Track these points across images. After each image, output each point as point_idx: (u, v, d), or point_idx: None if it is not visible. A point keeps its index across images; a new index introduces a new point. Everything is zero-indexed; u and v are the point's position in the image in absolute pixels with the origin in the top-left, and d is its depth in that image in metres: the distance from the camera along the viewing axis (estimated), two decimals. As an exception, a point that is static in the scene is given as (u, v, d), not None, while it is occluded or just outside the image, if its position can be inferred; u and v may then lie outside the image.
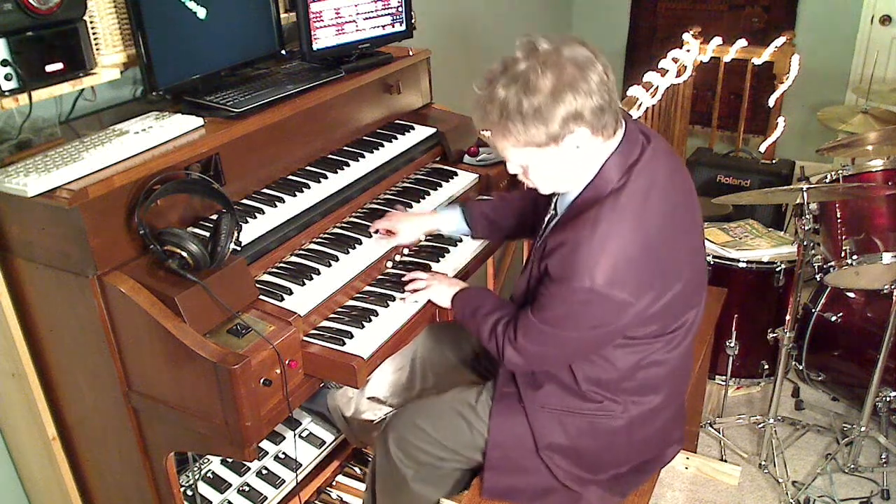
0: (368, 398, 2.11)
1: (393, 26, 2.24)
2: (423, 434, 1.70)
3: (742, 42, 3.75)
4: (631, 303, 1.41)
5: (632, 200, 1.41)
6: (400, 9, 2.23)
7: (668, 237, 1.46)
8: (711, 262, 2.71)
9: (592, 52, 1.37)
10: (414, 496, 1.73)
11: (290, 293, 1.65)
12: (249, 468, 2.12)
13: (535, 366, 1.59)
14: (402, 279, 1.81)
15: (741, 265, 2.71)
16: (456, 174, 2.24)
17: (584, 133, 1.37)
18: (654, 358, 1.55)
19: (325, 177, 1.93)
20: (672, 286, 1.47)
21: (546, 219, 1.61)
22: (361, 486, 2.30)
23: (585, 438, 1.61)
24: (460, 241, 2.01)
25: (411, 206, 2.06)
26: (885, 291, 2.50)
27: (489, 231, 1.93)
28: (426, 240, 2.01)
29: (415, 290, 1.76)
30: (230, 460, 2.11)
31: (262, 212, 1.76)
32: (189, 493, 1.94)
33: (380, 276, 1.87)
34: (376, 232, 1.89)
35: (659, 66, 3.32)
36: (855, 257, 2.32)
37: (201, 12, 1.76)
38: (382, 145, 2.13)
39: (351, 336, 1.62)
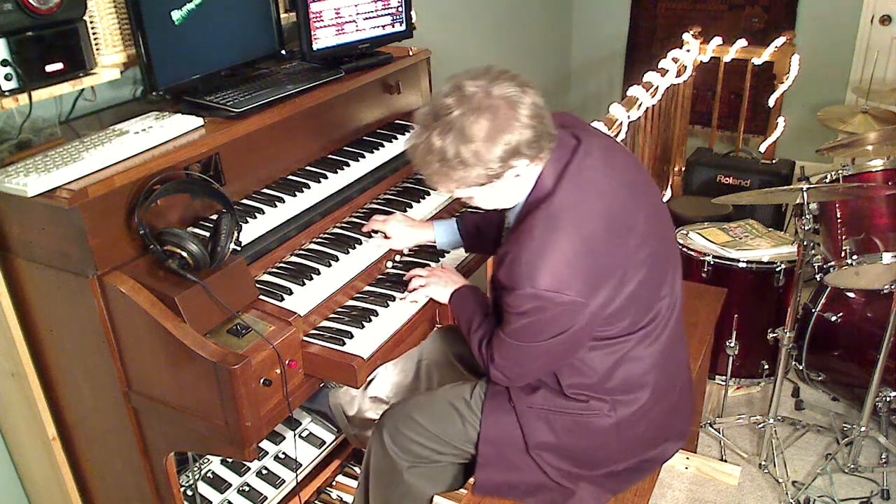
0: (371, 398, 2.12)
1: (393, 26, 2.24)
2: (417, 427, 1.71)
3: (742, 42, 3.75)
4: (582, 303, 1.42)
5: (564, 204, 1.44)
6: (400, 9, 2.23)
7: (612, 233, 1.46)
8: (712, 262, 2.71)
9: (520, 85, 1.40)
10: (408, 489, 1.74)
11: (290, 293, 1.66)
12: (249, 468, 2.12)
13: (518, 381, 1.61)
14: (403, 279, 1.82)
15: (741, 265, 2.71)
16: (456, 174, 2.24)
17: (522, 164, 1.42)
18: (633, 355, 1.56)
19: (325, 177, 1.93)
20: (628, 280, 1.47)
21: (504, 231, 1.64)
22: (361, 486, 2.30)
23: (573, 437, 1.62)
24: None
25: (411, 207, 2.06)
26: (885, 291, 2.50)
27: (479, 243, 1.94)
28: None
29: (413, 289, 1.77)
30: (230, 460, 2.11)
31: (262, 212, 1.76)
32: (189, 493, 1.94)
33: (380, 276, 1.87)
34: (375, 232, 1.89)
35: (659, 66, 3.32)
36: (855, 257, 2.32)
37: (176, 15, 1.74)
38: (382, 145, 2.13)
39: (351, 336, 1.62)
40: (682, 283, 1.65)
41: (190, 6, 1.75)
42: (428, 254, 1.96)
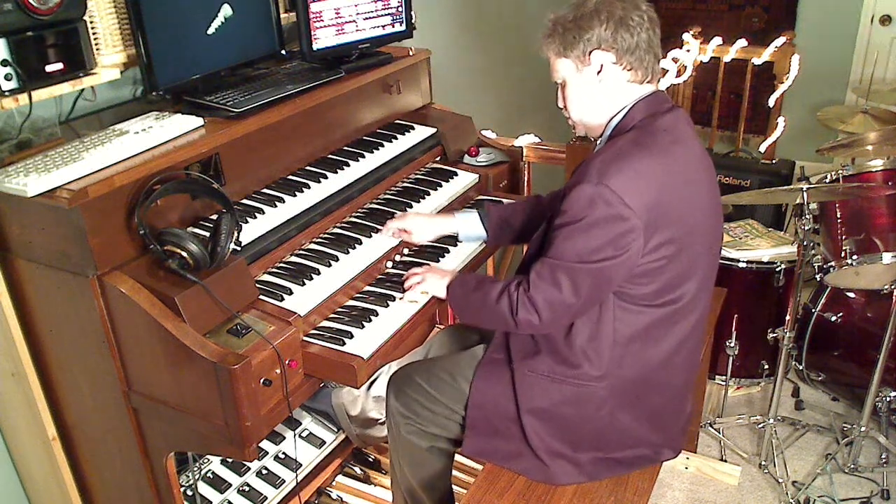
0: (375, 398, 2.12)
1: (393, 26, 2.24)
2: (417, 387, 1.79)
3: (742, 42, 3.74)
4: (636, 223, 1.43)
5: (655, 138, 1.50)
6: (400, 9, 2.23)
7: (686, 188, 1.50)
8: (712, 262, 2.71)
9: (648, 9, 1.53)
10: (405, 444, 1.82)
11: (290, 293, 1.66)
12: (249, 468, 2.12)
13: (548, 316, 1.54)
14: (402, 280, 1.82)
15: (741, 265, 2.71)
16: (456, 174, 2.24)
17: (611, 59, 1.51)
18: (649, 333, 1.57)
19: (325, 177, 1.93)
20: (676, 239, 1.49)
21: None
22: (361, 486, 2.30)
23: (567, 407, 1.63)
24: (459, 241, 2.00)
25: (411, 206, 2.06)
26: (885, 291, 2.50)
27: (503, 234, 1.95)
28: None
29: (410, 287, 1.77)
30: (230, 460, 2.11)
31: (262, 212, 1.76)
32: (189, 493, 1.94)
33: (380, 276, 1.87)
34: (374, 231, 1.90)
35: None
36: (855, 257, 2.32)
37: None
38: (382, 145, 2.13)
39: (351, 336, 1.62)
40: (711, 293, 1.67)
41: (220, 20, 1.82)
42: (428, 254, 1.96)
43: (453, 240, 2.00)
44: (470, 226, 1.94)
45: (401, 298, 1.76)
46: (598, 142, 1.63)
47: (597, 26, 1.50)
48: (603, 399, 1.62)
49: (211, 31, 1.81)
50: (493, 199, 2.23)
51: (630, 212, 1.42)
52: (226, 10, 1.84)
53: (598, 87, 1.55)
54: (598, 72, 1.54)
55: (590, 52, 1.52)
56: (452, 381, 1.76)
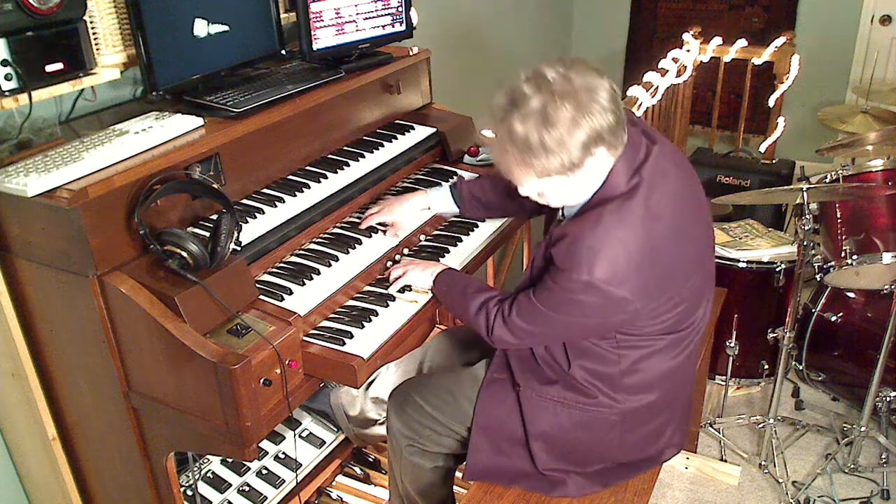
0: (373, 399, 2.12)
1: (393, 26, 2.24)
2: (419, 408, 1.78)
3: (742, 42, 3.75)
4: (631, 301, 1.42)
5: (638, 205, 1.42)
6: (400, 9, 2.23)
7: (677, 242, 1.47)
8: (712, 262, 2.72)
9: (596, 71, 1.38)
10: (407, 464, 1.81)
11: (290, 293, 1.66)
12: (249, 468, 2.12)
13: (522, 342, 1.60)
14: (384, 276, 1.83)
15: (741, 265, 2.71)
16: (456, 174, 2.24)
17: (602, 153, 1.40)
18: (659, 357, 1.56)
19: (325, 177, 1.93)
20: (680, 287, 1.49)
21: (553, 223, 1.64)
22: (361, 486, 2.31)
23: (578, 431, 1.63)
24: (460, 241, 2.01)
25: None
26: (885, 291, 2.50)
27: (476, 209, 1.96)
28: (426, 240, 2.01)
29: (395, 279, 1.78)
30: (230, 460, 2.11)
31: (262, 212, 1.76)
32: (189, 493, 1.94)
33: (380, 276, 1.87)
34: (373, 230, 1.90)
35: (659, 66, 3.32)
36: (855, 257, 2.32)
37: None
38: (382, 145, 2.13)
39: (351, 336, 1.62)
40: (712, 302, 1.67)
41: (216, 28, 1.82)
42: (429, 254, 1.96)
43: (454, 240, 2.00)
44: (441, 200, 1.96)
45: (392, 301, 1.76)
46: (568, 208, 1.55)
47: (581, 133, 1.34)
48: (613, 423, 1.62)
49: (211, 31, 1.81)
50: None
51: (626, 298, 1.41)
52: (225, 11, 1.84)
53: (583, 179, 1.44)
54: (593, 168, 1.41)
55: (583, 162, 1.38)
56: (454, 402, 1.75)
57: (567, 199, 1.51)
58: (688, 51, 3.60)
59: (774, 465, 2.53)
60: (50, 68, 1.54)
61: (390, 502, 1.98)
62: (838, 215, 2.40)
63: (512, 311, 1.55)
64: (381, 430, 2.15)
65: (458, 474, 1.85)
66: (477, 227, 2.06)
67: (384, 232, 1.91)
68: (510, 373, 1.69)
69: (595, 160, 1.40)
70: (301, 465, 2.17)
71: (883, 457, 2.52)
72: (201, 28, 1.78)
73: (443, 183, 2.07)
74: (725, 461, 2.61)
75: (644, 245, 1.41)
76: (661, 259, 1.44)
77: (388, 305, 1.75)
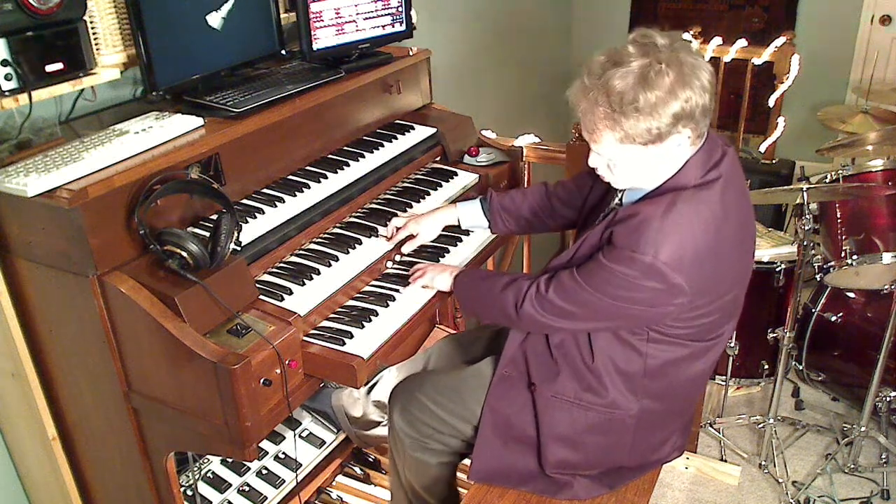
0: (375, 402, 2.12)
1: (393, 26, 2.24)
2: (422, 406, 1.76)
3: (742, 42, 3.75)
4: (684, 291, 1.39)
5: (714, 199, 1.41)
6: (400, 9, 2.23)
7: (736, 248, 1.47)
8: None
9: (700, 55, 1.39)
10: (411, 460, 1.79)
11: (290, 293, 1.66)
12: (249, 468, 2.12)
13: (551, 323, 1.53)
14: (408, 275, 1.82)
15: (741, 265, 2.71)
16: (456, 174, 2.24)
17: (687, 134, 1.38)
18: (685, 364, 1.55)
19: (325, 177, 1.93)
20: (724, 293, 1.48)
21: (608, 209, 1.60)
22: (361, 486, 2.31)
23: (594, 434, 1.62)
24: (460, 241, 2.01)
25: (411, 206, 2.06)
26: (885, 291, 2.50)
27: (507, 224, 1.94)
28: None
29: (416, 279, 1.79)
30: (230, 460, 2.11)
31: (262, 212, 1.76)
32: (189, 493, 1.94)
33: (380, 276, 1.87)
34: (374, 232, 1.90)
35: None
36: (855, 257, 2.32)
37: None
38: (382, 145, 2.13)
39: (351, 336, 1.62)
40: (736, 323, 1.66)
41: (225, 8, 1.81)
42: (428, 253, 1.96)
43: (454, 240, 2.00)
44: (471, 214, 1.94)
45: (392, 301, 1.76)
46: (627, 193, 1.53)
47: (676, 104, 1.33)
48: (629, 427, 1.61)
49: (211, 30, 1.81)
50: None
51: (682, 287, 1.39)
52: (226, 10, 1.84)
53: (660, 158, 1.41)
54: (675, 146, 1.39)
55: (668, 136, 1.36)
56: (460, 400, 1.73)
57: (634, 180, 1.47)
58: (688, 51, 3.59)
59: (774, 465, 2.53)
60: (50, 68, 1.54)
61: (394, 499, 1.97)
62: (838, 215, 2.40)
63: (550, 288, 1.50)
64: (383, 432, 2.14)
65: (459, 474, 1.85)
66: (477, 227, 2.06)
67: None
68: (523, 370, 1.66)
69: (677, 140, 1.37)
70: (301, 465, 2.17)
71: (883, 457, 2.52)
72: (215, 20, 1.79)
73: (475, 197, 2.01)
74: (725, 461, 2.61)
75: (711, 241, 1.40)
76: (720, 260, 1.43)
77: (388, 305, 1.75)
